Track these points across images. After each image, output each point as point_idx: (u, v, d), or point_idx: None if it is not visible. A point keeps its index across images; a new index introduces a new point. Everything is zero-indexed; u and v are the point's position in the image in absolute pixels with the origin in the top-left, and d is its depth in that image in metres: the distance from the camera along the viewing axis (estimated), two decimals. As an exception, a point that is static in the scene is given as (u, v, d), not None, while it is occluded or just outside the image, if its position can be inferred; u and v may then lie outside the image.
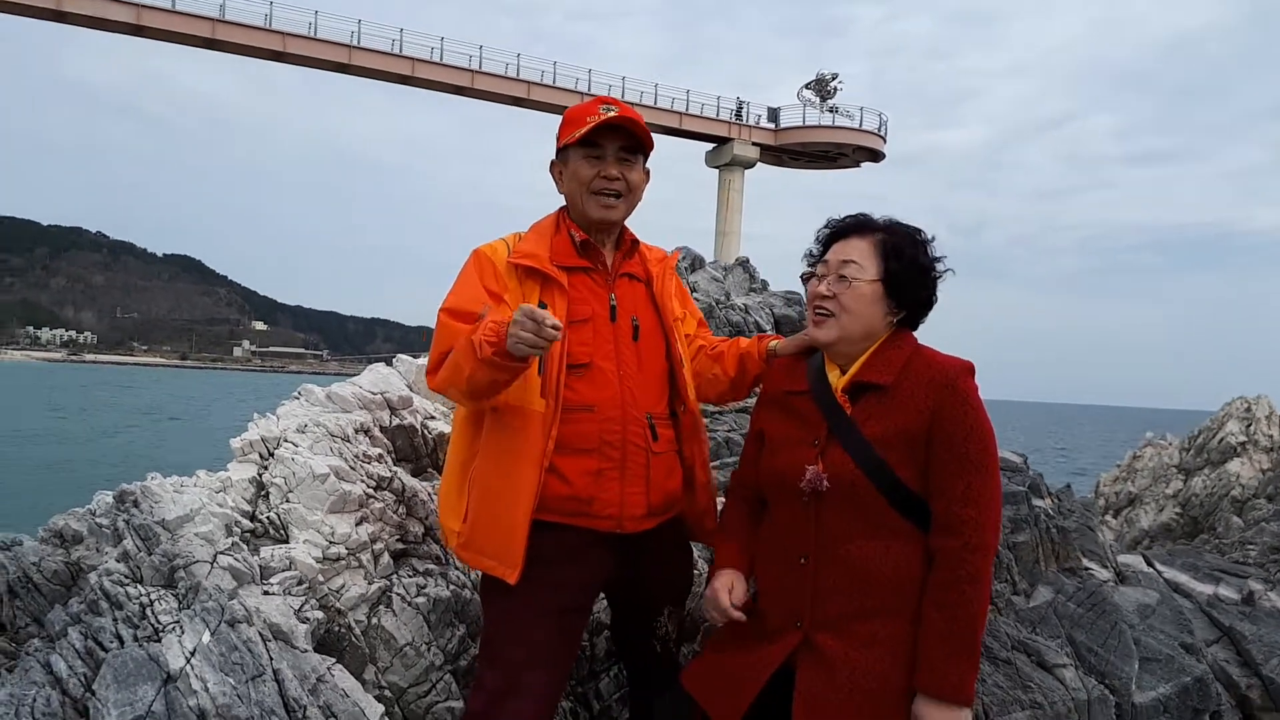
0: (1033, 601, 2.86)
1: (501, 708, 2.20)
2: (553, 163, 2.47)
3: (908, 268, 2.16)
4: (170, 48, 40.17)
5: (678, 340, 2.49)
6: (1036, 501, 3.27)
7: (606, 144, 2.35)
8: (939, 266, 2.21)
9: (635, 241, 2.52)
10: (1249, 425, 14.43)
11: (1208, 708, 2.68)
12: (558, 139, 2.42)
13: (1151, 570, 3.63)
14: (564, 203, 2.49)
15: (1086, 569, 3.24)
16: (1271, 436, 14.08)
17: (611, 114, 2.32)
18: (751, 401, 3.22)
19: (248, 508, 2.78)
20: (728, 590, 2.23)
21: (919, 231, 2.23)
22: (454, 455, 2.43)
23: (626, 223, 2.49)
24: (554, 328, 2.00)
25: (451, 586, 2.82)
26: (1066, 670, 2.56)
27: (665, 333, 2.48)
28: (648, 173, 2.46)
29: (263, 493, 2.83)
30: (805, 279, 2.31)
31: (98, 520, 2.79)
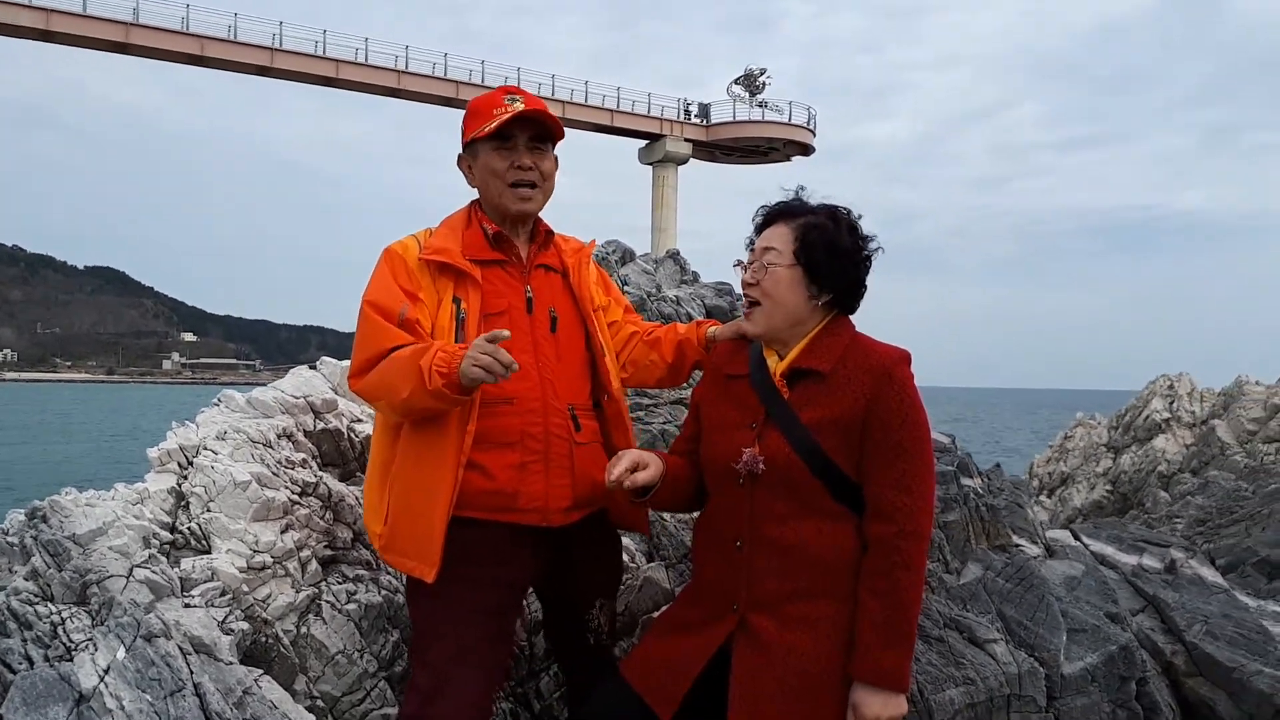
0: (963, 579, 2.90)
1: (433, 708, 2.16)
2: (460, 157, 2.44)
3: (826, 251, 2.16)
4: (84, 55, 38.96)
5: (598, 330, 2.48)
6: (965, 480, 3.32)
7: (517, 135, 2.34)
8: (870, 246, 2.22)
9: (549, 232, 2.51)
10: (1172, 402, 14.94)
11: (1134, 675, 2.74)
12: (464, 132, 2.39)
13: (1078, 544, 3.71)
14: (475, 197, 2.47)
15: (1017, 545, 3.30)
16: (1193, 412, 14.60)
17: (519, 106, 2.31)
18: (687, 393, 3.22)
19: (167, 519, 2.68)
20: (633, 461, 2.16)
21: (841, 211, 2.23)
22: (375, 457, 2.39)
23: (542, 214, 2.48)
24: (505, 368, 2.00)
25: (383, 592, 2.76)
26: (997, 645, 2.60)
27: (584, 323, 2.47)
28: (557, 160, 2.45)
29: (183, 503, 2.73)
30: (738, 267, 2.32)
31: (8, 539, 2.67)
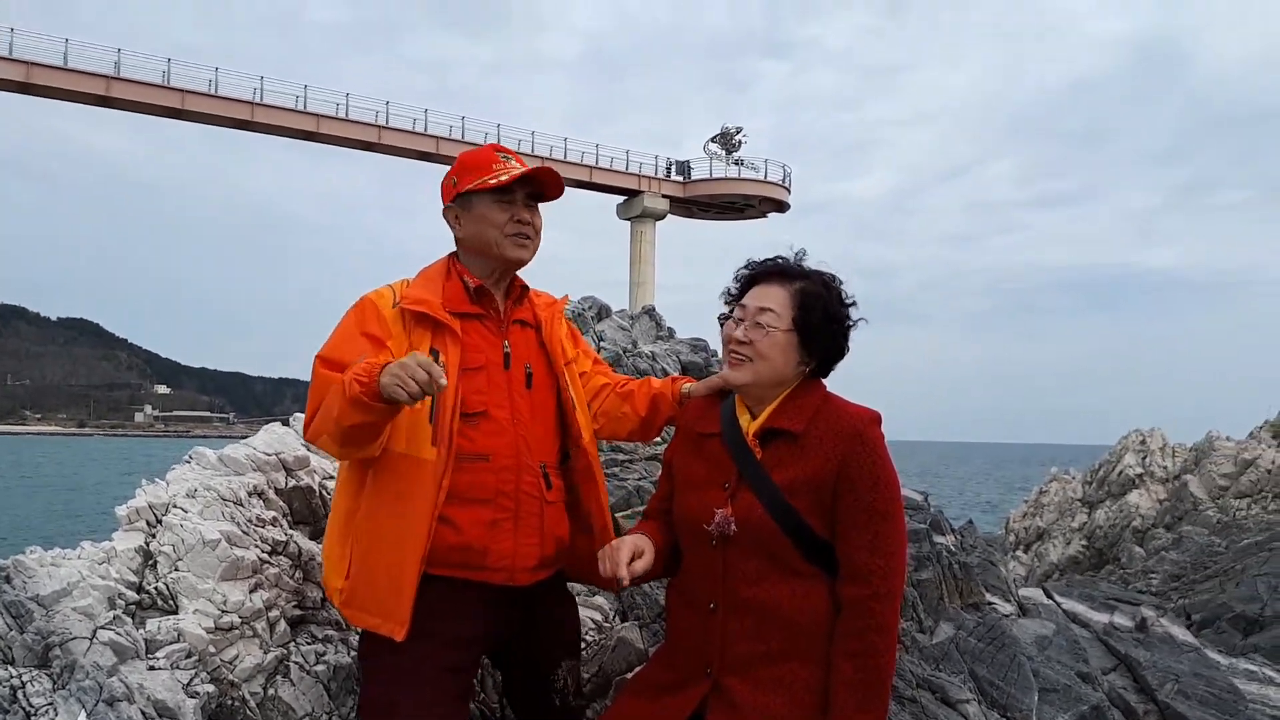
0: (935, 638, 2.89)
1: None
2: (448, 207, 2.44)
3: (822, 320, 2.19)
4: (64, 105, 39.01)
5: (570, 384, 2.49)
6: (938, 538, 3.33)
7: (517, 190, 2.38)
8: (852, 314, 2.25)
9: (525, 288, 2.53)
10: (1144, 457, 15.07)
11: (1106, 734, 2.74)
12: (456, 184, 2.40)
13: (1051, 602, 3.72)
14: (453, 250, 2.49)
15: (990, 604, 3.31)
16: (1166, 467, 14.73)
17: (514, 165, 2.37)
18: (662, 449, 3.22)
19: (134, 578, 2.64)
20: (631, 551, 2.16)
21: (834, 280, 2.26)
22: (337, 508, 2.36)
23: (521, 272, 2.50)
24: (435, 381, 1.96)
25: (352, 653, 2.72)
26: (970, 705, 2.59)
27: (556, 378, 2.48)
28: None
29: (150, 562, 2.69)
30: (722, 320, 2.33)
31: (-30, 600, 2.62)
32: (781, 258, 2.29)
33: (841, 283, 2.26)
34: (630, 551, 2.15)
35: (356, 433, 2.11)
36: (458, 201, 2.41)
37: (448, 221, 2.45)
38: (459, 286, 2.40)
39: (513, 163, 2.39)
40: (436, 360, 2.22)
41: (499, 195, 2.35)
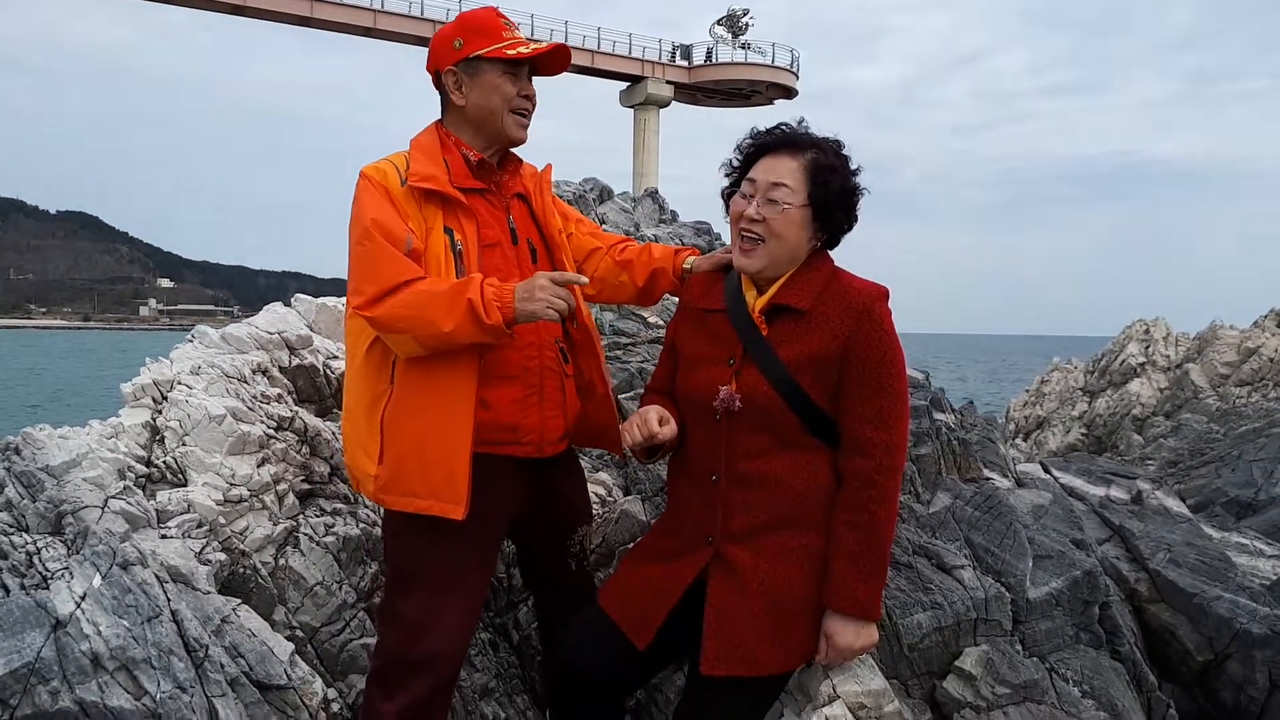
0: (932, 507, 2.95)
1: (416, 641, 2.19)
2: (449, 71, 2.29)
3: (838, 193, 2.13)
4: (51, -8, 37.80)
5: (565, 257, 2.46)
6: (938, 415, 3.35)
7: (523, 62, 2.29)
8: (859, 185, 2.19)
9: (519, 160, 2.47)
10: (1148, 346, 15.07)
11: (1097, 599, 2.81)
12: (460, 46, 2.26)
13: (1048, 476, 3.77)
14: (436, 119, 2.38)
15: (987, 478, 3.35)
16: (1169, 356, 14.74)
17: (520, 34, 2.28)
18: (663, 332, 3.21)
19: (142, 453, 2.68)
20: (658, 416, 2.17)
21: (842, 147, 2.19)
22: (360, 393, 2.27)
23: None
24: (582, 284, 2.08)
25: (361, 525, 2.78)
26: (965, 571, 2.65)
27: (551, 251, 2.45)
28: None
29: (158, 437, 2.73)
30: (727, 196, 2.26)
31: (-18, 475, 2.67)
32: (786, 125, 2.21)
33: (845, 147, 2.20)
34: (657, 416, 2.16)
35: (457, 347, 2.11)
36: (462, 66, 2.27)
37: (445, 86, 2.31)
38: (460, 160, 2.30)
39: (517, 32, 2.30)
40: (453, 241, 2.19)
41: (509, 65, 2.26)
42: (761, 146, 2.20)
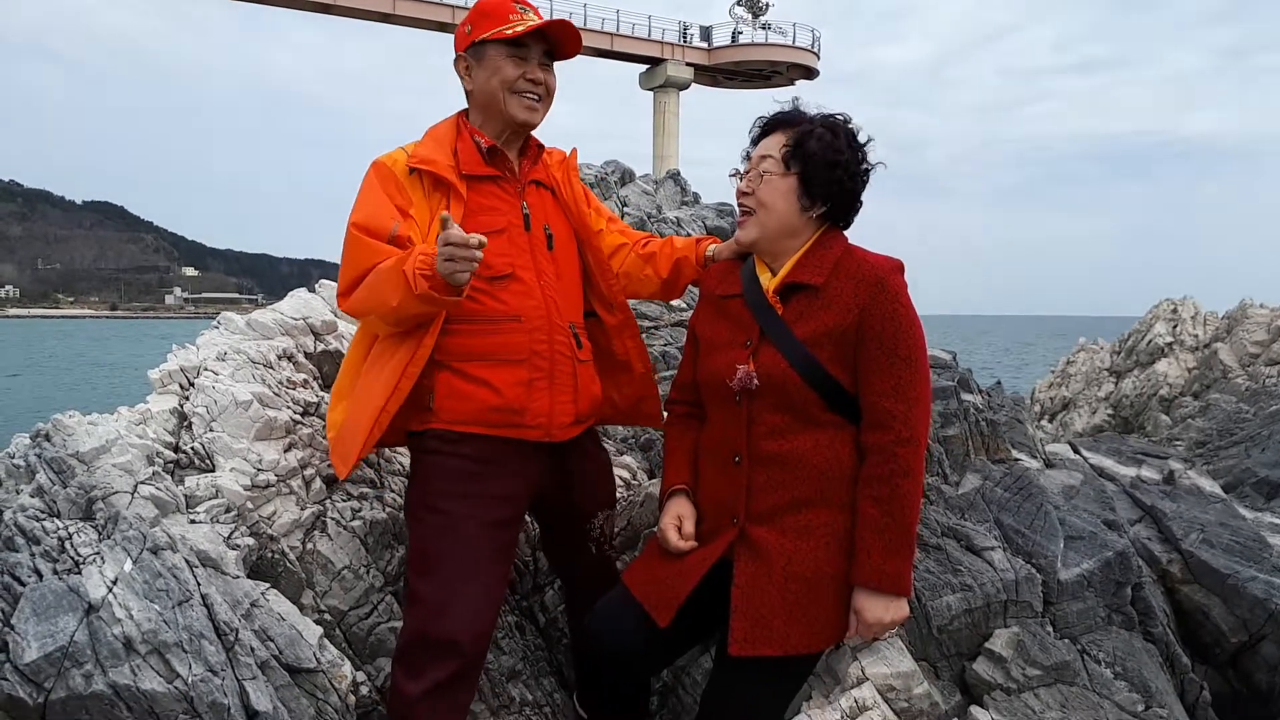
0: (961, 489, 2.92)
1: (440, 623, 2.20)
2: (460, 57, 2.35)
3: (819, 158, 2.13)
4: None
5: (593, 245, 2.47)
6: (966, 396, 3.32)
7: (532, 46, 2.28)
8: (863, 159, 2.19)
9: (541, 147, 2.47)
10: (1175, 326, 14.88)
11: (1129, 580, 2.77)
12: (469, 31, 2.30)
13: (1078, 457, 3.73)
14: (463, 107, 2.41)
15: (1016, 459, 3.32)
16: (1197, 336, 14.55)
17: (531, 18, 2.27)
18: (688, 314, 3.20)
19: (170, 439, 2.69)
20: (676, 527, 2.27)
21: (839, 120, 2.20)
22: (345, 371, 2.47)
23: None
24: (478, 245, 1.96)
25: (388, 509, 2.79)
26: (995, 552, 2.63)
27: (578, 241, 2.46)
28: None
29: (185, 423, 2.74)
30: (733, 177, 2.31)
31: (14, 462, 2.69)
32: (794, 109, 2.25)
33: (850, 123, 2.20)
34: (674, 530, 2.27)
35: (416, 319, 2.17)
36: (470, 51, 2.31)
37: (458, 73, 2.37)
38: (472, 147, 2.32)
39: (531, 15, 2.28)
40: (446, 225, 2.21)
41: (513, 48, 2.26)
42: (764, 129, 2.26)
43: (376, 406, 2.22)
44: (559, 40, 2.32)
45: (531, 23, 2.25)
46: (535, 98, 2.32)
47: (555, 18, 2.28)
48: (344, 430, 2.38)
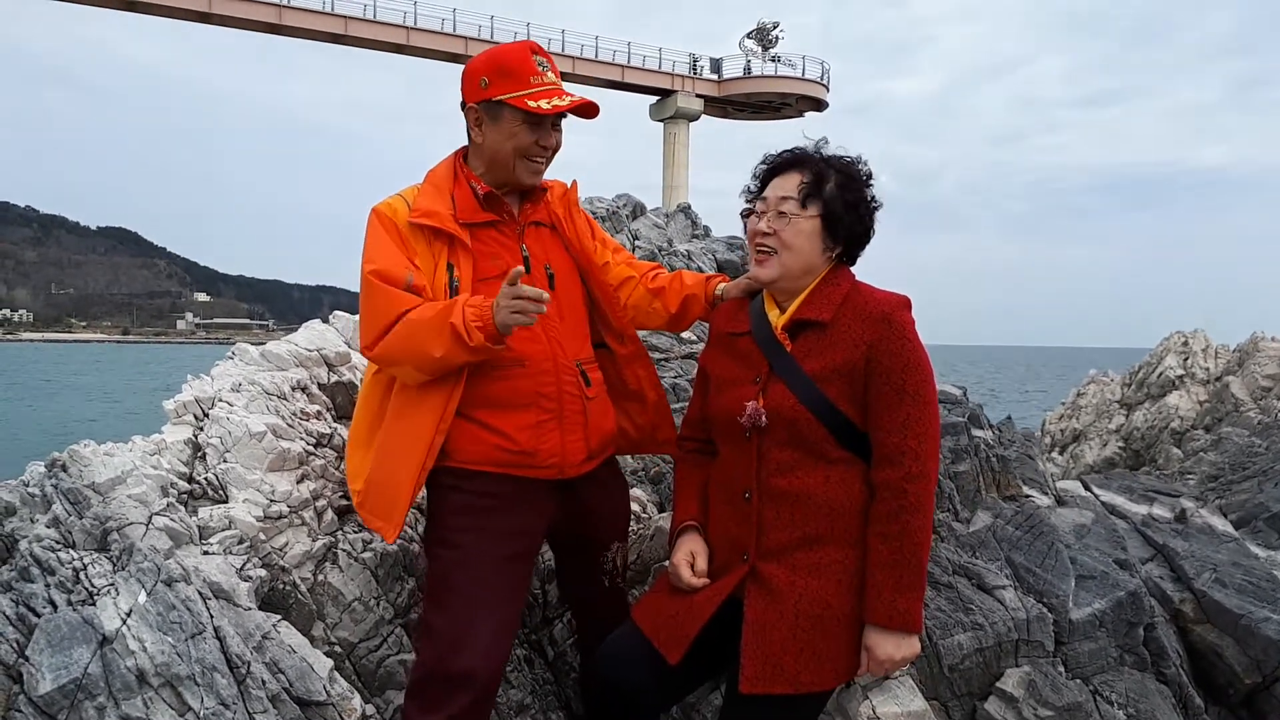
0: (972, 526, 2.91)
1: (454, 657, 2.20)
2: (472, 107, 2.33)
3: (843, 202, 2.17)
4: (101, 12, 38.52)
5: (599, 279, 2.48)
6: (976, 432, 3.32)
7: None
8: (874, 198, 2.23)
9: (543, 188, 2.47)
10: (1186, 359, 14.82)
11: (1141, 620, 2.76)
12: (486, 85, 2.28)
13: (1089, 494, 3.72)
14: (461, 145, 2.42)
15: (1027, 496, 3.31)
16: (1208, 369, 14.48)
17: (550, 77, 2.28)
18: (699, 347, 3.22)
19: (184, 469, 2.71)
20: (689, 564, 2.26)
21: (855, 161, 2.23)
22: (362, 416, 2.42)
23: None
24: (539, 299, 2.02)
25: (399, 541, 2.79)
26: (1006, 591, 2.62)
27: (582, 275, 2.47)
28: None
29: (199, 454, 2.77)
30: (745, 216, 2.31)
31: (29, 490, 2.71)
32: (799, 147, 2.27)
33: (863, 164, 2.24)
34: (687, 567, 2.24)
35: (453, 368, 2.18)
36: (484, 106, 2.30)
37: (467, 120, 2.36)
38: (469, 193, 2.34)
39: (549, 74, 2.28)
40: (451, 277, 2.25)
41: (532, 116, 2.26)
42: (773, 168, 2.27)
43: (417, 463, 2.22)
44: (579, 112, 2.33)
45: (558, 104, 2.24)
46: (543, 161, 2.34)
47: (572, 98, 2.27)
48: (377, 486, 2.32)
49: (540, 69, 2.27)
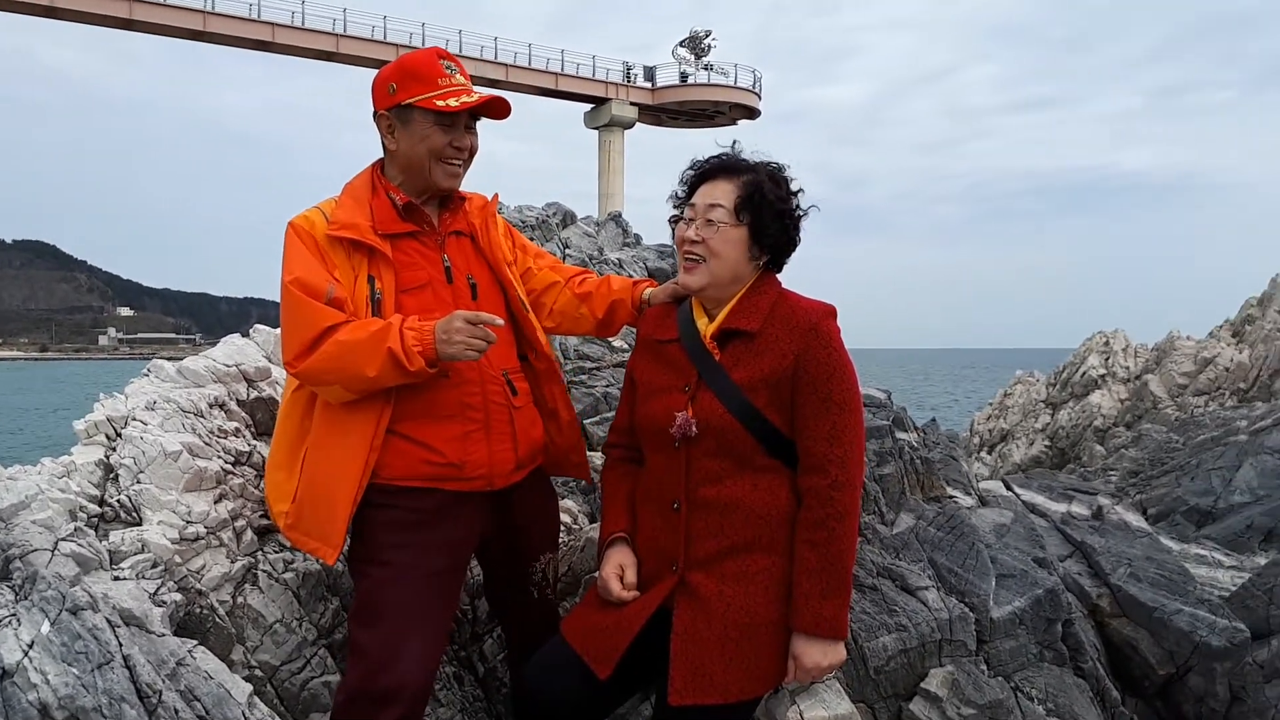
0: (895, 529, 2.96)
1: (382, 673, 2.16)
2: (383, 114, 2.30)
3: (772, 211, 2.18)
4: (16, 18, 37.13)
5: (516, 289, 2.46)
6: (901, 435, 3.37)
7: (460, 112, 2.27)
8: (800, 204, 2.24)
9: (461, 197, 2.45)
10: (1108, 358, 15.29)
11: (1059, 616, 2.83)
12: (394, 91, 2.26)
13: (1010, 494, 3.80)
14: (378, 157, 2.38)
15: (950, 497, 3.37)
16: (1128, 368, 14.96)
17: (458, 79, 2.25)
18: (628, 355, 3.22)
19: (95, 492, 2.62)
20: (618, 577, 2.25)
21: (780, 169, 2.25)
22: (284, 435, 2.36)
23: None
24: (489, 341, 2.07)
25: (321, 561, 2.73)
26: (929, 592, 2.66)
27: (502, 285, 2.45)
28: None
29: (111, 475, 2.67)
30: (673, 223, 2.31)
31: (-70, 518, 2.60)
32: (725, 154, 2.28)
33: (787, 170, 2.26)
34: (616, 580, 2.24)
35: (388, 387, 2.16)
36: (395, 112, 2.27)
37: (379, 128, 2.33)
38: (387, 204, 2.30)
39: (458, 76, 2.27)
40: (373, 289, 2.22)
41: (443, 116, 2.25)
42: (701, 174, 2.27)
43: (353, 482, 2.19)
44: (490, 109, 2.30)
45: (466, 100, 2.22)
46: (459, 164, 2.32)
47: (487, 96, 2.26)
48: (309, 507, 2.28)
49: (448, 71, 2.25)
